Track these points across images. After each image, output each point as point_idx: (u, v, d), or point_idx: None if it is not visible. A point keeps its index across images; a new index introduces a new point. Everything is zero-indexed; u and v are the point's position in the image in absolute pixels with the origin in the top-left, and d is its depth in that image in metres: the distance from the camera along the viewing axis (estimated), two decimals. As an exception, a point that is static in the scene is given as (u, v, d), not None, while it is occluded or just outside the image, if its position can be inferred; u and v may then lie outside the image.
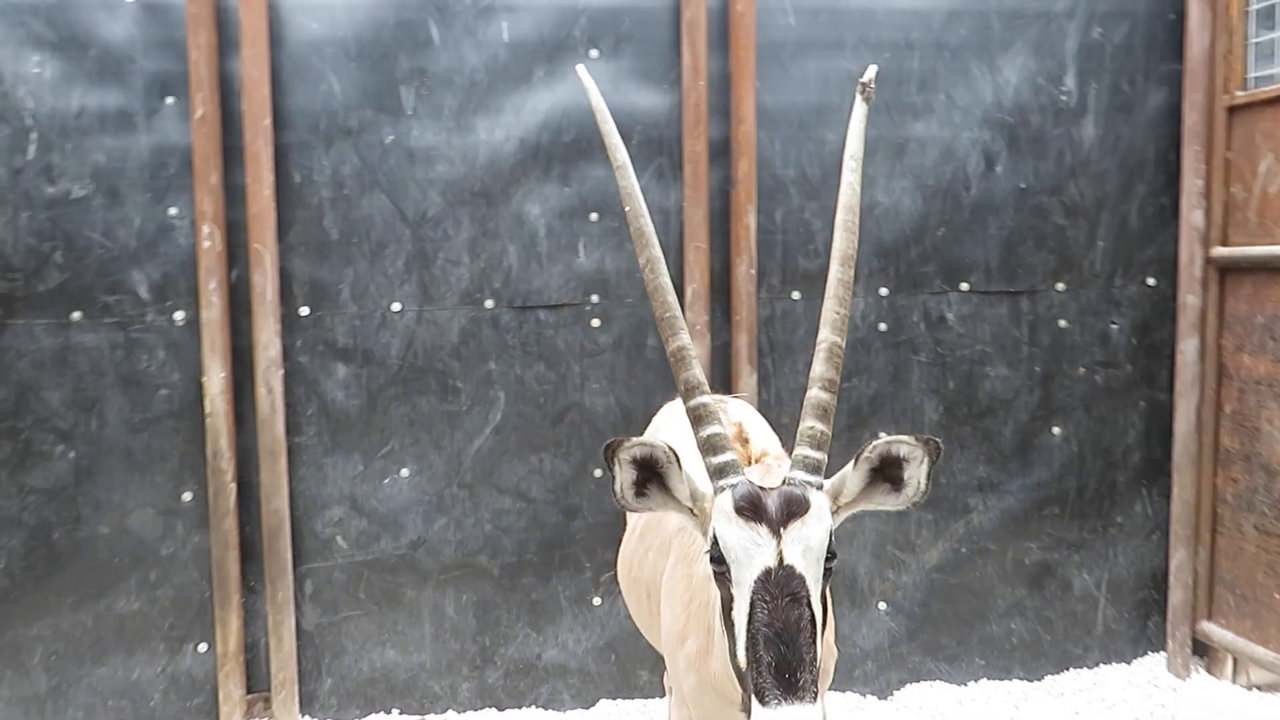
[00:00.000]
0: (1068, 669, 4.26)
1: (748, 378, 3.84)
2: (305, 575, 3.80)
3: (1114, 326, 4.15)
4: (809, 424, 1.82)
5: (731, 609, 1.69)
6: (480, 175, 3.76)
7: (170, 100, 3.57)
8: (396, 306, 3.77)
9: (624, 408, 3.92)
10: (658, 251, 1.97)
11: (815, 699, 1.55)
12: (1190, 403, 4.10)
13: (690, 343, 1.91)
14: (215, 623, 3.68)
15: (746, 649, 1.62)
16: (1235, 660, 4.19)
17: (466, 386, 3.84)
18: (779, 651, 1.57)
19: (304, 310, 3.73)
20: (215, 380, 3.58)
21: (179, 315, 3.64)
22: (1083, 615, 4.25)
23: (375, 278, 3.75)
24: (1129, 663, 4.32)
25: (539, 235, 3.81)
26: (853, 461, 1.81)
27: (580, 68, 2.34)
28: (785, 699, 1.53)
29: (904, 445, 1.76)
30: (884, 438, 1.79)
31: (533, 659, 3.96)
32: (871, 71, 2.18)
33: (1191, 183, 4.03)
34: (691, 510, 1.85)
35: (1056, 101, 4.02)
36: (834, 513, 1.80)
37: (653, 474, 1.82)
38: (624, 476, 1.80)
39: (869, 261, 3.98)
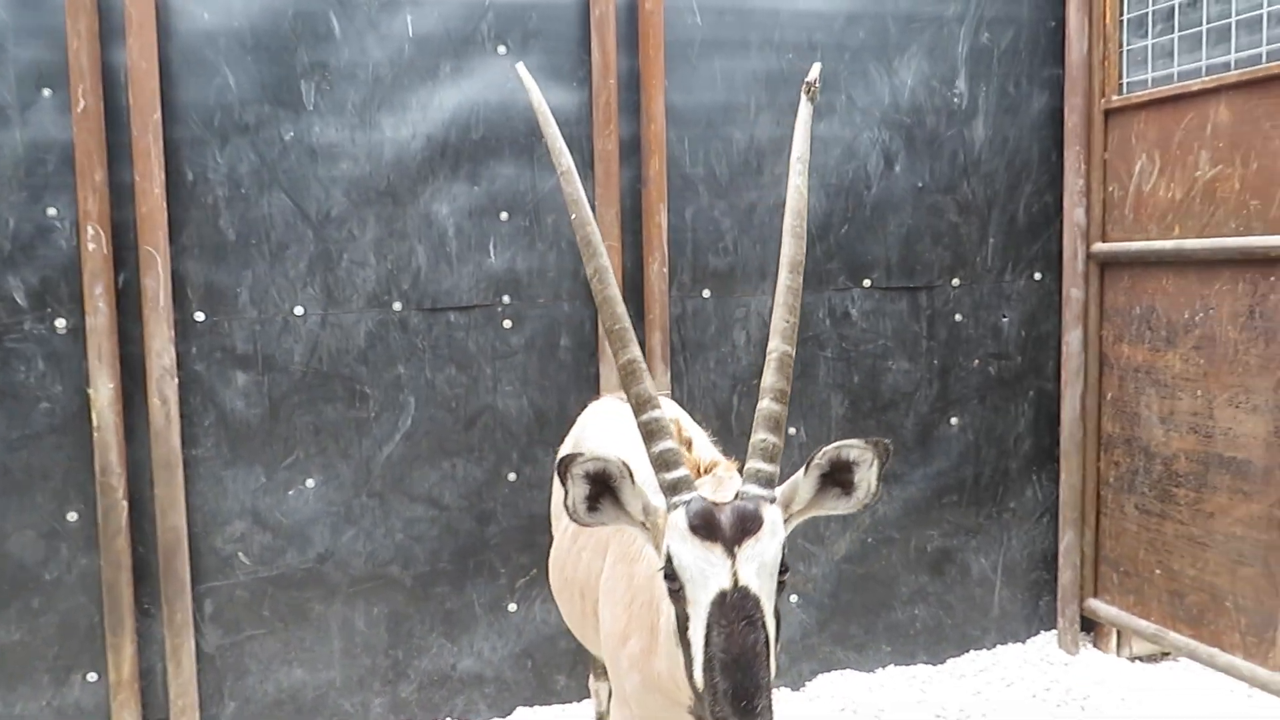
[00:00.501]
0: (968, 651, 4.43)
1: (662, 376, 3.84)
2: (205, 595, 3.60)
3: (1005, 320, 4.34)
4: (761, 436, 1.82)
5: (687, 628, 1.67)
6: (386, 173, 3.64)
7: (47, 92, 3.33)
8: (299, 310, 3.62)
9: (538, 410, 3.87)
10: (606, 261, 1.94)
11: None
12: (1075, 391, 4.32)
13: (640, 355, 1.89)
14: (107, 650, 3.45)
15: (703, 672, 1.62)
16: (1119, 634, 4.45)
17: (374, 392, 3.71)
18: (735, 678, 1.57)
19: (199, 315, 3.53)
20: (103, 391, 3.35)
21: (60, 323, 3.39)
22: (980, 598, 4.43)
23: (276, 280, 3.59)
24: (1024, 642, 4.53)
25: (448, 235, 3.72)
26: (804, 468, 1.81)
27: (520, 66, 2.30)
28: None
29: (854, 449, 1.77)
30: (833, 444, 1.79)
31: (447, 670, 3.86)
32: (816, 70, 2.19)
33: (1073, 182, 4.25)
34: (644, 524, 1.83)
35: (949, 103, 4.18)
36: (786, 521, 1.81)
37: (605, 488, 1.80)
38: (577, 492, 1.77)
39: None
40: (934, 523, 4.33)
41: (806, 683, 4.19)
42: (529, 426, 3.86)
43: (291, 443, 3.65)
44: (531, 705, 3.95)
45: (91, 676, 3.49)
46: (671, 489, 1.77)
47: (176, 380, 3.46)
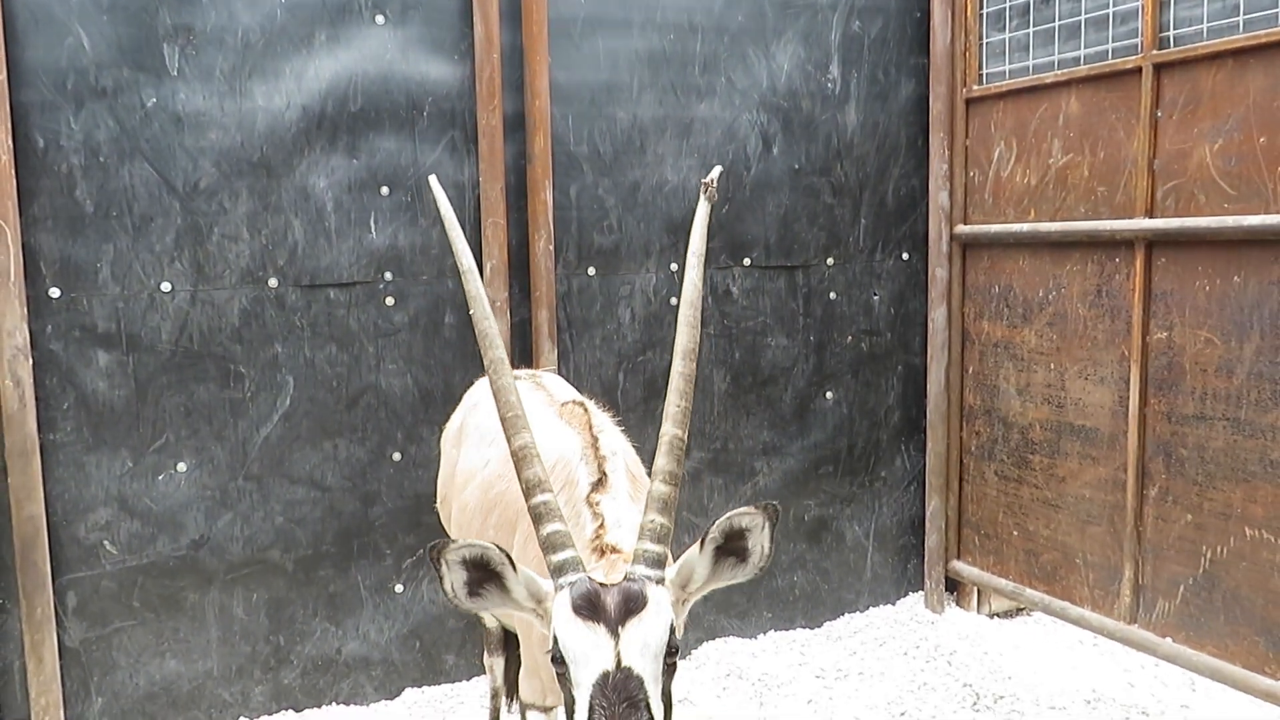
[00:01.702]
0: (843, 614, 4.64)
1: (548, 354, 3.84)
2: (67, 587, 3.41)
3: (875, 298, 4.53)
4: (650, 517, 1.80)
5: (573, 712, 1.66)
6: (259, 144, 3.50)
7: (-124, 48, 3.06)
8: (166, 286, 3.45)
9: (422, 388, 3.81)
10: (503, 354, 1.94)
11: None
12: (940, 365, 4.56)
13: (532, 442, 1.86)
14: (-43, 650, 3.23)
15: None
16: (980, 593, 4.73)
17: (250, 371, 3.58)
18: None
19: (54, 292, 3.32)
20: (-52, 373, 3.12)
21: (-104, 299, 3.14)
22: (854, 564, 4.63)
23: (140, 255, 3.41)
24: (894, 603, 4.77)
25: (326, 210, 3.61)
26: (698, 545, 1.82)
27: (433, 179, 2.30)
28: None
29: (745, 517, 1.79)
30: (724, 516, 1.80)
31: (332, 654, 3.78)
32: (716, 171, 2.23)
33: (938, 167, 4.46)
34: (535, 611, 1.81)
35: (824, 88, 4.32)
36: (684, 601, 1.83)
37: (488, 573, 1.77)
38: (454, 578, 1.75)
39: (660, 238, 4.10)
40: (811, 493, 4.49)
41: (692, 650, 4.29)
42: (414, 405, 3.80)
43: (160, 425, 3.49)
44: (420, 686, 3.92)
45: (-61, 679, 3.27)
46: (558, 570, 1.74)
47: (31, 361, 3.25)
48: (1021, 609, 4.77)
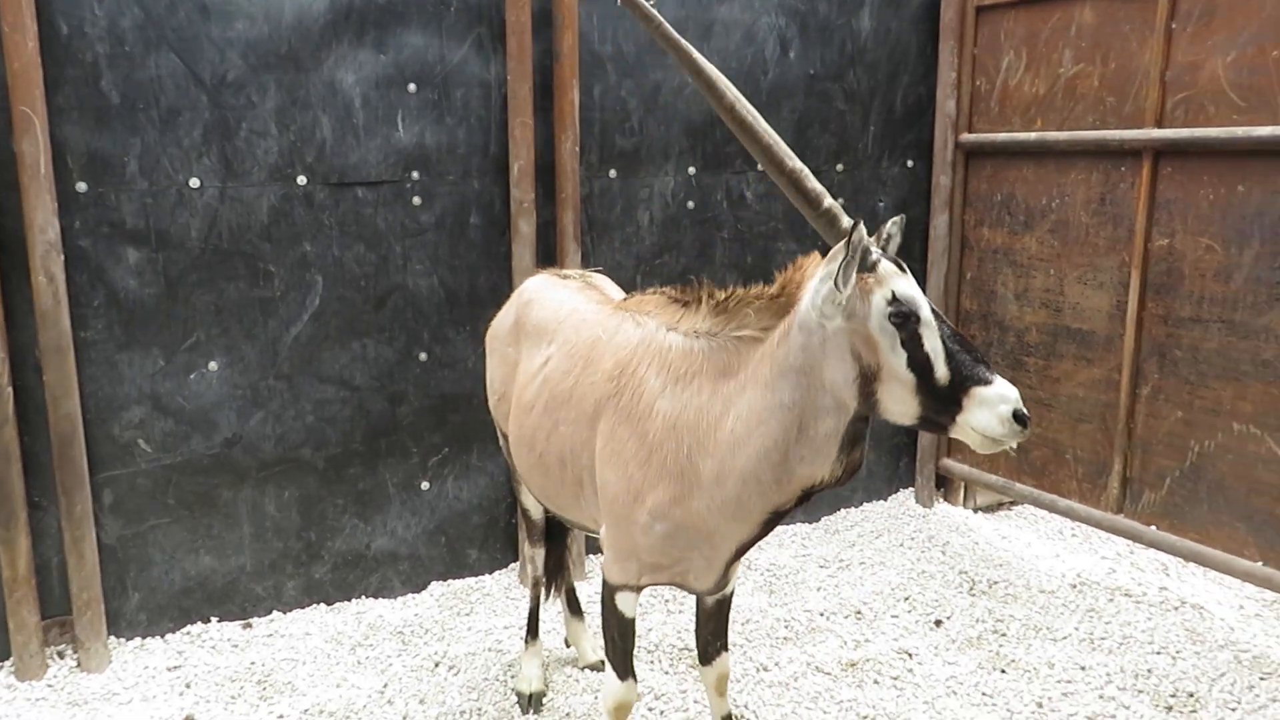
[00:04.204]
0: (839, 509, 4.86)
1: (573, 255, 3.88)
2: (103, 485, 3.42)
3: (880, 204, 4.64)
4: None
5: (920, 346, 1.97)
6: (287, 37, 3.41)
7: (-111, -78, 2.89)
8: (195, 182, 3.39)
9: (448, 289, 3.83)
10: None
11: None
12: (940, 271, 4.71)
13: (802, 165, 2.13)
14: (-2, 546, 3.24)
15: (948, 360, 1.97)
16: (966, 488, 4.99)
17: (279, 270, 3.56)
18: (973, 347, 2.02)
19: (81, 186, 3.24)
20: (-20, 268, 3.05)
21: (-80, 191, 3.04)
22: (850, 461, 4.83)
23: (168, 149, 3.33)
24: (885, 499, 5.01)
25: (354, 106, 3.56)
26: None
27: None
28: (992, 371, 1.98)
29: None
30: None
31: (361, 549, 3.87)
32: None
33: (946, 75, 4.54)
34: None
35: (839, -8, 4.33)
36: None
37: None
38: (847, 259, 1.99)
39: (679, 141, 4.12)
40: (813, 394, 4.64)
41: (699, 545, 4.46)
42: (439, 306, 3.82)
43: (191, 324, 3.46)
44: (445, 579, 4.04)
45: (-20, 575, 3.27)
46: (866, 251, 2.03)
47: (62, 257, 3.19)
48: (1004, 504, 5.06)
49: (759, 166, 4.30)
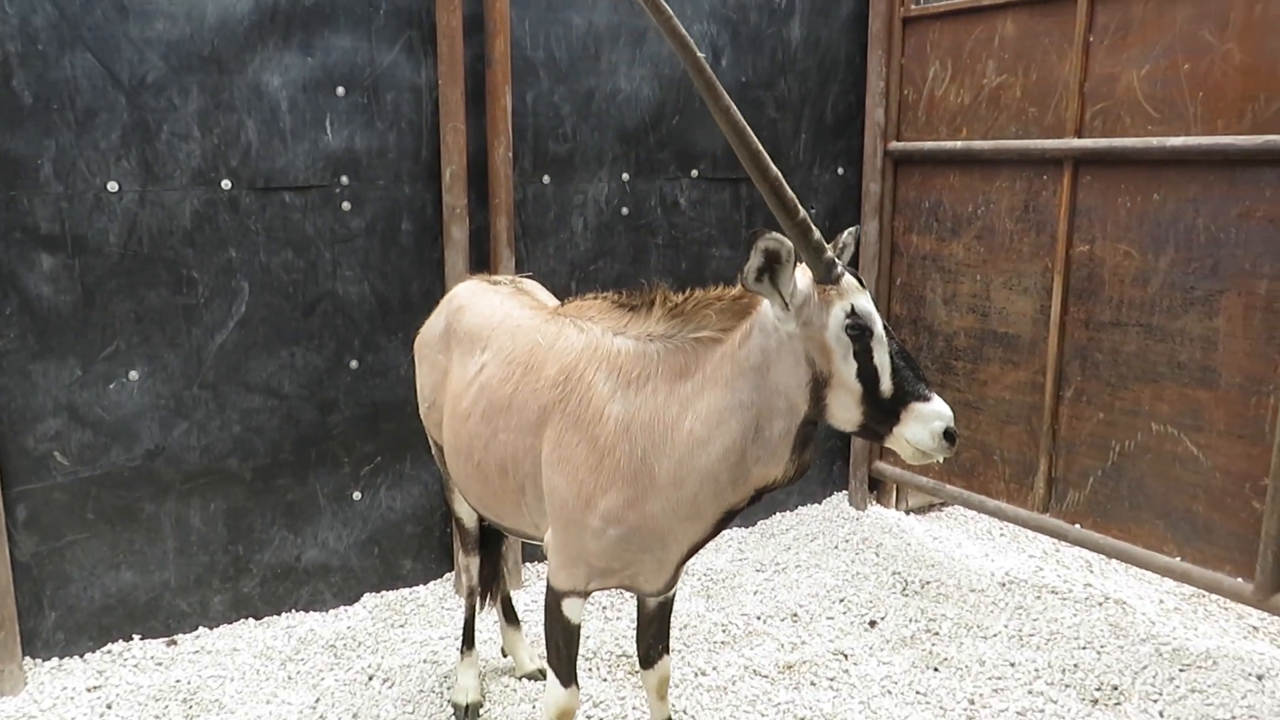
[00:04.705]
0: (775, 514, 4.90)
1: (507, 261, 3.85)
2: (17, 499, 3.28)
3: (813, 211, 4.69)
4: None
5: (870, 360, 2.07)
6: (210, 38, 3.33)
7: None
8: (113, 186, 3.28)
9: (379, 296, 3.77)
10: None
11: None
12: (870, 277, 4.78)
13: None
14: (-98, 566, 3.09)
15: (893, 375, 2.06)
16: (898, 490, 5.07)
17: (204, 276, 3.47)
18: (916, 365, 2.12)
19: (-8, 190, 3.12)
20: (-118, 275, 2.91)
21: None
22: (785, 466, 4.87)
23: (85, 152, 3.23)
24: (820, 502, 5.06)
25: (280, 110, 3.48)
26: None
27: None
28: (930, 389, 2.08)
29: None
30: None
31: (291, 562, 3.78)
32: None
33: (875, 84, 4.62)
34: (785, 302, 2.09)
35: (771, 1, 4.37)
36: None
37: (771, 268, 2.05)
38: (754, 262, 2.03)
39: (613, 147, 4.12)
40: (748, 399, 4.67)
41: (636, 551, 4.46)
42: (371, 313, 3.76)
43: (110, 332, 3.36)
44: (378, 591, 3.97)
45: (-118, 597, 3.12)
46: (829, 266, 2.09)
47: (-29, 263, 3.07)
48: (934, 505, 5.15)
49: (694, 173, 4.33)
